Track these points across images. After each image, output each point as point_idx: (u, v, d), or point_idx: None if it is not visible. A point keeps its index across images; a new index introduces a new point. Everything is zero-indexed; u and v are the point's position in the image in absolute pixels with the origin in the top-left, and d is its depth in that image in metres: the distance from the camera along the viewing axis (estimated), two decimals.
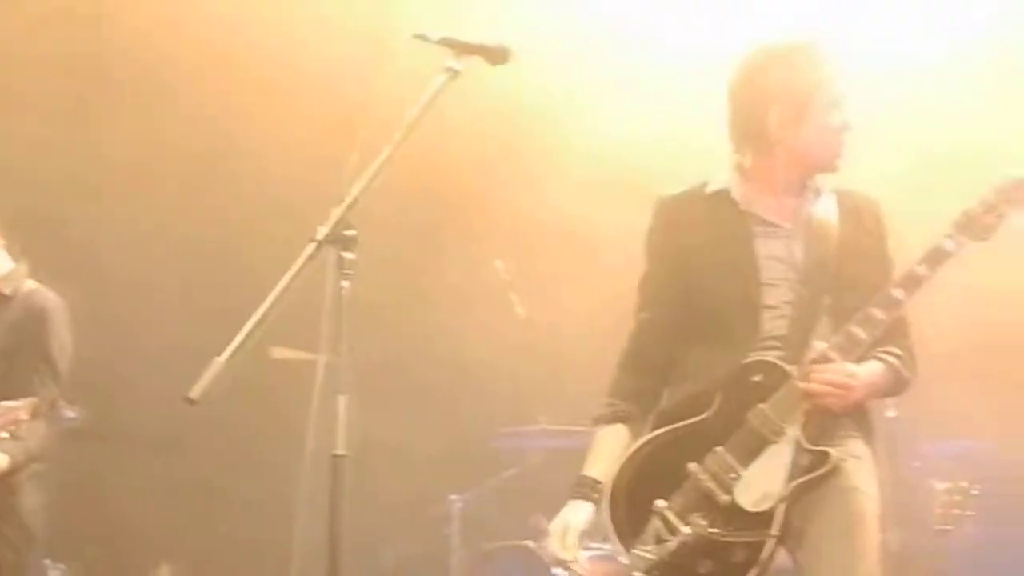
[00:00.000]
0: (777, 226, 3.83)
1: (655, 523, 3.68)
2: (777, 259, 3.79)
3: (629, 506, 3.75)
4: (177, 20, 6.52)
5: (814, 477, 3.61)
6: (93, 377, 5.53)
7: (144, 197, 7.30)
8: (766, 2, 6.57)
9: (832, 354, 3.62)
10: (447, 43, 3.48)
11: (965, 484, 5.97)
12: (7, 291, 5.33)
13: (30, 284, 5.39)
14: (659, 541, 3.66)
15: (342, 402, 3.22)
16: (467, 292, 7.55)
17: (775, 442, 3.64)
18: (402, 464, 7.64)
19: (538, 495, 6.88)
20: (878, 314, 3.62)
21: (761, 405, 3.66)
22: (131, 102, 6.98)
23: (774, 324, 3.75)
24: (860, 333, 3.63)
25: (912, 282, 3.64)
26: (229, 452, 7.46)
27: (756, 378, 3.68)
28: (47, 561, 6.04)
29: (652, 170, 6.26)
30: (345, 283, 3.27)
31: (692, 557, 3.64)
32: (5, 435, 4.71)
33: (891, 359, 3.75)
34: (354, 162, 3.34)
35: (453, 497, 7.02)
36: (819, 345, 3.64)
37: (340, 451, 3.23)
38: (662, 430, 3.81)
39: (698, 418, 3.74)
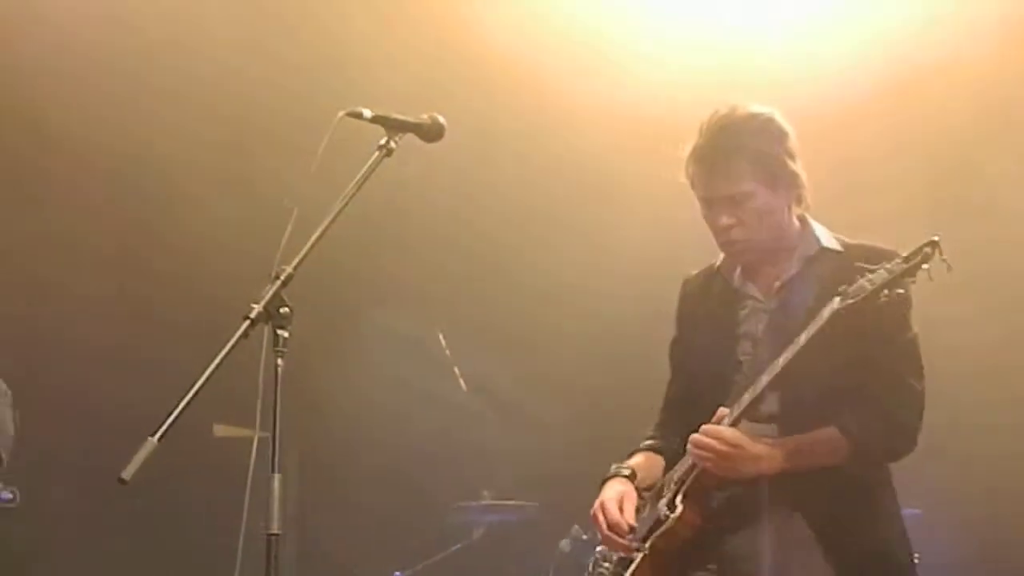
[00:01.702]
0: (758, 300, 3.85)
1: None
2: (752, 335, 3.81)
3: None
4: (116, 108, 6.57)
5: (657, 535, 3.67)
6: (22, 454, 5.46)
7: (82, 269, 7.26)
8: None
9: (726, 420, 3.61)
10: (380, 121, 3.50)
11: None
12: None
13: None
14: None
15: (277, 480, 3.20)
16: (409, 365, 7.54)
17: (663, 496, 3.74)
18: (347, 540, 7.59)
19: (483, 569, 6.85)
20: (763, 379, 3.59)
21: (677, 464, 3.76)
22: (71, 180, 6.96)
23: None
24: (747, 397, 3.60)
25: (791, 348, 3.53)
26: (167, 529, 7.37)
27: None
28: None
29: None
30: (280, 361, 3.25)
31: None
32: None
33: (852, 427, 3.61)
34: (288, 238, 3.34)
35: (398, 573, 6.97)
36: (723, 410, 3.64)
37: (275, 530, 3.20)
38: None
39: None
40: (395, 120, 3.51)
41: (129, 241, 7.22)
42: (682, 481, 3.69)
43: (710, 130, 3.75)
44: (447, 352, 7.39)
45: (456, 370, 7.37)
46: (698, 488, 3.67)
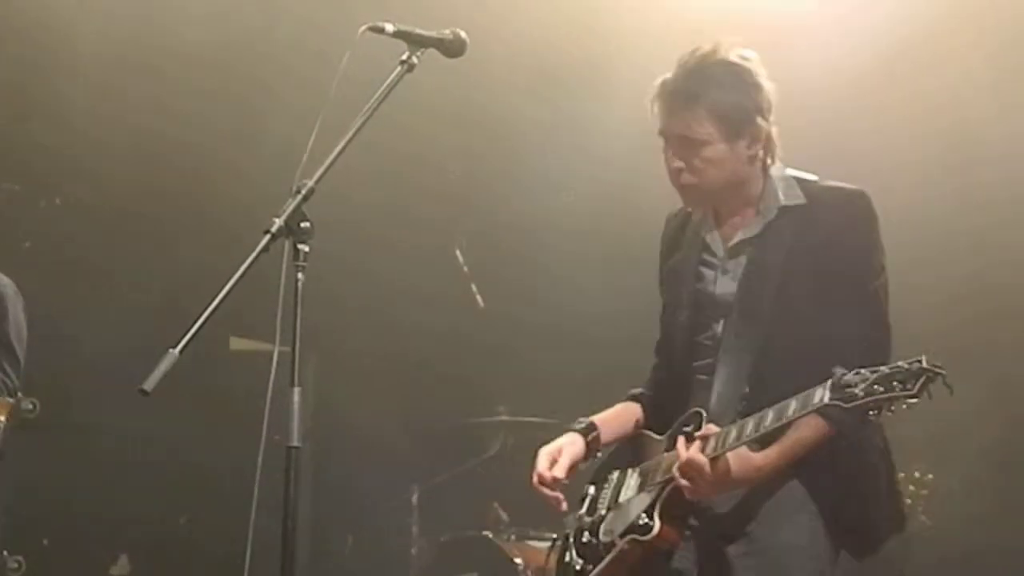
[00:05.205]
0: (714, 254, 3.77)
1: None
2: (708, 293, 3.74)
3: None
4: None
5: (637, 540, 3.57)
6: (48, 368, 5.50)
7: (101, 183, 7.26)
8: None
9: (711, 442, 3.44)
10: (402, 36, 3.48)
11: (918, 474, 5.98)
12: None
13: None
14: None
15: (296, 394, 3.22)
16: (428, 282, 7.54)
17: (648, 490, 3.65)
18: (363, 454, 7.64)
19: (497, 486, 6.89)
20: (749, 427, 3.41)
21: (667, 452, 3.64)
22: (93, 86, 6.93)
23: (705, 358, 3.71)
24: (733, 437, 3.42)
25: (781, 412, 3.35)
26: (187, 442, 7.42)
27: (688, 428, 3.61)
28: (4, 553, 6.00)
29: None
30: (300, 275, 3.26)
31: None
32: None
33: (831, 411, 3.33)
34: (309, 154, 3.33)
35: (413, 487, 7.01)
36: (712, 428, 3.48)
37: (294, 443, 3.23)
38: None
39: (654, 436, 3.81)
40: (417, 35, 3.50)
41: (150, 156, 7.19)
42: (661, 488, 3.58)
43: (682, 69, 3.63)
44: (464, 268, 7.38)
45: (473, 287, 7.37)
46: (677, 503, 3.57)
